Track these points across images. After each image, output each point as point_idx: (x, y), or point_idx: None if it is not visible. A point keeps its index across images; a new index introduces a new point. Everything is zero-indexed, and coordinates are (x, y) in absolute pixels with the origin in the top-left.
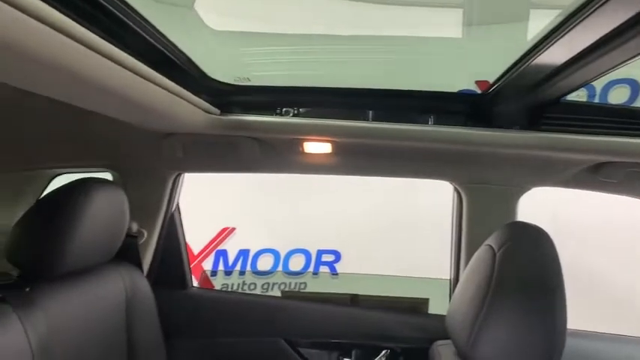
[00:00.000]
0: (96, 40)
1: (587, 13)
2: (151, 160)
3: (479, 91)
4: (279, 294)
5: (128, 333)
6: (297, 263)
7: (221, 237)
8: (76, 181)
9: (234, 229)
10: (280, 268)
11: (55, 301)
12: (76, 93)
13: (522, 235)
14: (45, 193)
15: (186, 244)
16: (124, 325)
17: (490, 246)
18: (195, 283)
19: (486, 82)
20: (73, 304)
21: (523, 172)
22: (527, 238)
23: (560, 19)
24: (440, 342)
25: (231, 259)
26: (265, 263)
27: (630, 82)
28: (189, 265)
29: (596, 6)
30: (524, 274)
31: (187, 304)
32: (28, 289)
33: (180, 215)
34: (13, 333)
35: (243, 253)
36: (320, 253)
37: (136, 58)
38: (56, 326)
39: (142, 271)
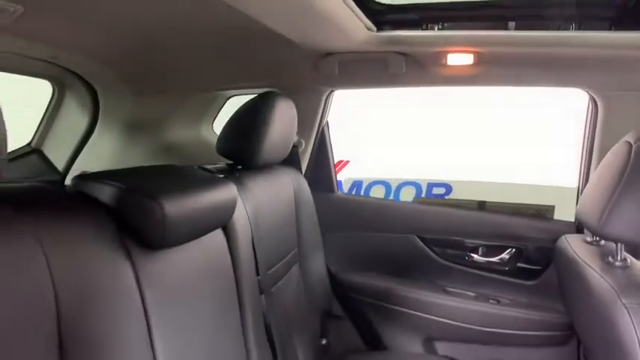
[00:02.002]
0: None
1: None
2: (309, 79)
3: None
4: None
5: (297, 226)
6: (407, 194)
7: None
8: (264, 93)
9: (347, 161)
10: (392, 197)
11: (255, 184)
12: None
13: None
14: (220, 112)
15: (333, 154)
16: (294, 219)
17: (627, 141)
18: None
19: None
20: (265, 191)
21: None
22: None
23: None
24: (567, 235)
25: (345, 188)
26: (377, 194)
27: None
28: (335, 173)
29: None
30: None
31: (335, 205)
32: (238, 175)
33: (328, 129)
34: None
35: (357, 184)
36: (430, 185)
37: None
38: (259, 203)
39: (303, 176)
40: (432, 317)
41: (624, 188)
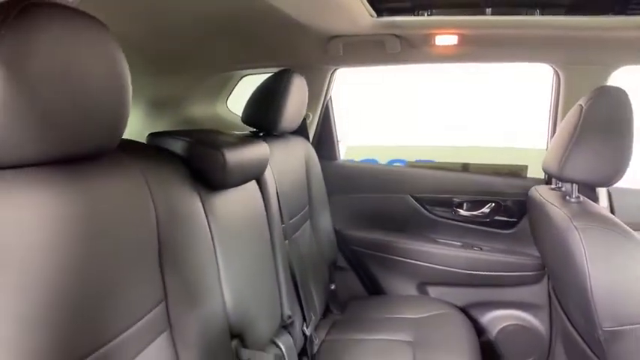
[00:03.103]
0: None
1: None
2: (317, 59)
3: None
4: None
5: (308, 187)
6: None
7: None
8: (282, 70)
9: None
10: None
11: (275, 149)
12: None
13: (605, 94)
14: (234, 90)
15: (336, 126)
16: (305, 181)
17: (579, 104)
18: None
19: None
20: (283, 155)
21: (613, 53)
22: (608, 96)
23: None
24: (537, 186)
25: None
26: None
27: None
28: (337, 143)
29: None
30: (603, 118)
31: (338, 170)
32: (261, 140)
33: (332, 104)
34: None
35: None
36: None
37: None
38: (279, 164)
39: (311, 144)
40: (425, 264)
41: (576, 141)
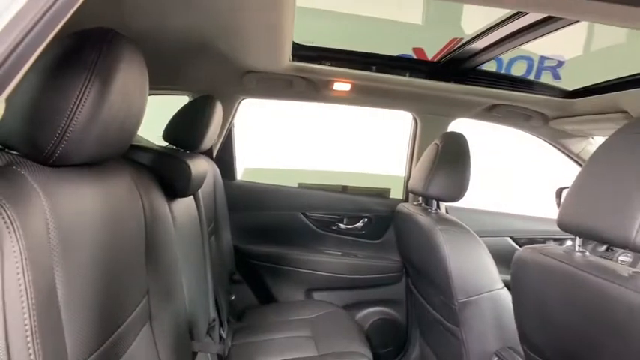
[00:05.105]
0: None
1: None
2: (232, 88)
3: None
4: None
5: (214, 205)
6: None
7: None
8: (205, 96)
9: None
10: None
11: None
12: None
13: (453, 136)
14: None
15: (235, 150)
16: (213, 199)
17: (436, 143)
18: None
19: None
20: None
21: (454, 108)
22: (455, 138)
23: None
24: (402, 203)
25: None
26: None
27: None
28: (235, 164)
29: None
30: (452, 153)
31: (237, 190)
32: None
33: (233, 130)
34: None
35: None
36: None
37: None
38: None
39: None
40: (312, 271)
41: (436, 169)
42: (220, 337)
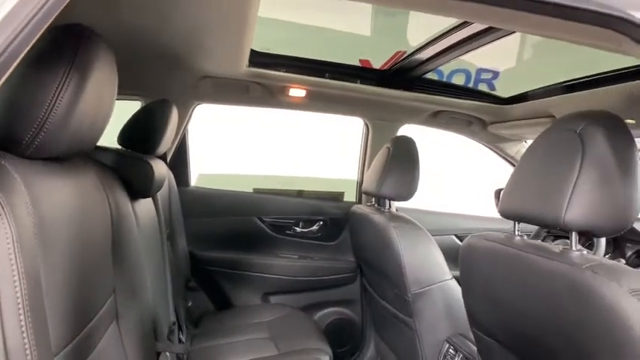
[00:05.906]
0: None
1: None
2: (187, 93)
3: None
4: None
5: (168, 210)
6: None
7: None
8: (162, 100)
9: None
10: None
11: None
12: None
13: (402, 140)
14: None
15: (189, 156)
16: (168, 205)
17: (387, 147)
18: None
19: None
20: None
21: (402, 114)
22: (404, 142)
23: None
24: (356, 205)
25: None
26: None
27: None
28: (190, 170)
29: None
30: (403, 155)
31: (191, 196)
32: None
33: (188, 135)
34: None
35: None
36: None
37: None
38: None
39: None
40: (268, 275)
41: (387, 170)
42: (180, 340)
